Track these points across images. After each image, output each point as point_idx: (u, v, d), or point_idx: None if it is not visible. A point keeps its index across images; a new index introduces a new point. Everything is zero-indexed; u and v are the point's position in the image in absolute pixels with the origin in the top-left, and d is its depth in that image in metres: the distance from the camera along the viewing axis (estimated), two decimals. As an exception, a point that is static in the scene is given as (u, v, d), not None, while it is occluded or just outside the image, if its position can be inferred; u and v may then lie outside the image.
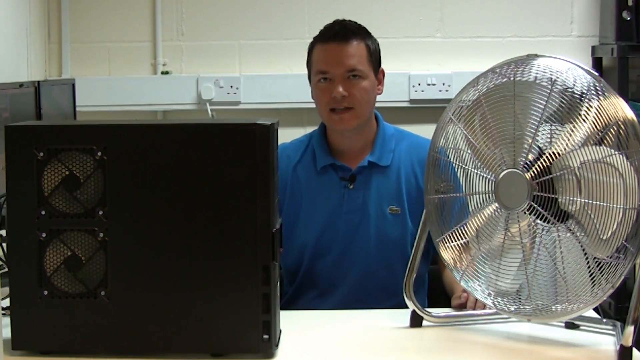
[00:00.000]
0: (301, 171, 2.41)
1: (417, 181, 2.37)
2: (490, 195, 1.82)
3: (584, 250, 1.71)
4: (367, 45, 2.34)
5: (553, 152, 1.72)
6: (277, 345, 1.75)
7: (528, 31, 3.79)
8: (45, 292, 1.71)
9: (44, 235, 1.71)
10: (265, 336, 1.70)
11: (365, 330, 1.94)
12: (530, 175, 1.74)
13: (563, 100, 1.70)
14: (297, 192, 2.39)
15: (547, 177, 1.72)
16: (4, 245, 1.83)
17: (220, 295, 1.70)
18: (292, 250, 2.36)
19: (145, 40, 3.84)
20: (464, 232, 1.88)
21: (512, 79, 1.77)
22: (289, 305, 2.37)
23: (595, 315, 1.96)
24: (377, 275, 2.34)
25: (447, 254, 1.91)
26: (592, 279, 1.70)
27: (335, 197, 2.37)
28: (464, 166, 1.87)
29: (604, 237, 1.67)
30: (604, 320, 1.89)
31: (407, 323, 1.94)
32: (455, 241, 1.89)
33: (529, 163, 1.75)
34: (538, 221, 1.75)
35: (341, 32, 2.34)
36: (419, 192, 2.33)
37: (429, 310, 1.97)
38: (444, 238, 1.91)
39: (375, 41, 2.39)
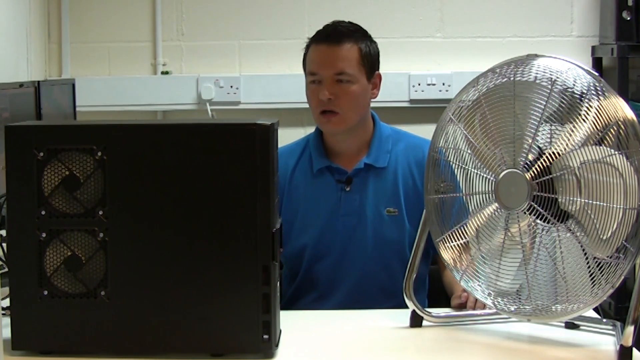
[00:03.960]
0: (298, 175, 2.40)
1: (414, 182, 2.36)
2: (490, 195, 1.82)
3: (584, 250, 1.71)
4: (359, 49, 2.31)
5: (553, 152, 1.72)
6: (277, 345, 1.75)
7: (528, 31, 3.79)
8: (45, 292, 1.71)
9: (44, 235, 1.71)
10: (265, 336, 1.70)
11: (365, 330, 1.94)
12: (530, 175, 1.74)
13: (563, 100, 1.70)
14: (294, 196, 2.39)
15: (547, 177, 1.72)
16: (4, 245, 1.83)
17: (220, 295, 1.70)
18: (291, 253, 2.36)
19: (145, 40, 3.84)
20: (463, 232, 1.88)
21: (512, 79, 1.77)
22: (288, 307, 2.36)
23: (595, 315, 1.96)
24: (376, 277, 2.33)
25: (447, 254, 1.91)
26: (592, 279, 1.70)
27: (332, 200, 2.36)
28: (464, 166, 1.87)
29: (604, 237, 1.67)
30: (604, 320, 1.89)
31: (407, 323, 1.94)
32: (455, 241, 1.89)
33: (529, 163, 1.74)
34: (538, 221, 1.75)
35: (333, 34, 2.32)
36: (416, 193, 2.32)
37: (429, 310, 1.97)
38: (443, 238, 1.91)
39: (371, 44, 2.36)
